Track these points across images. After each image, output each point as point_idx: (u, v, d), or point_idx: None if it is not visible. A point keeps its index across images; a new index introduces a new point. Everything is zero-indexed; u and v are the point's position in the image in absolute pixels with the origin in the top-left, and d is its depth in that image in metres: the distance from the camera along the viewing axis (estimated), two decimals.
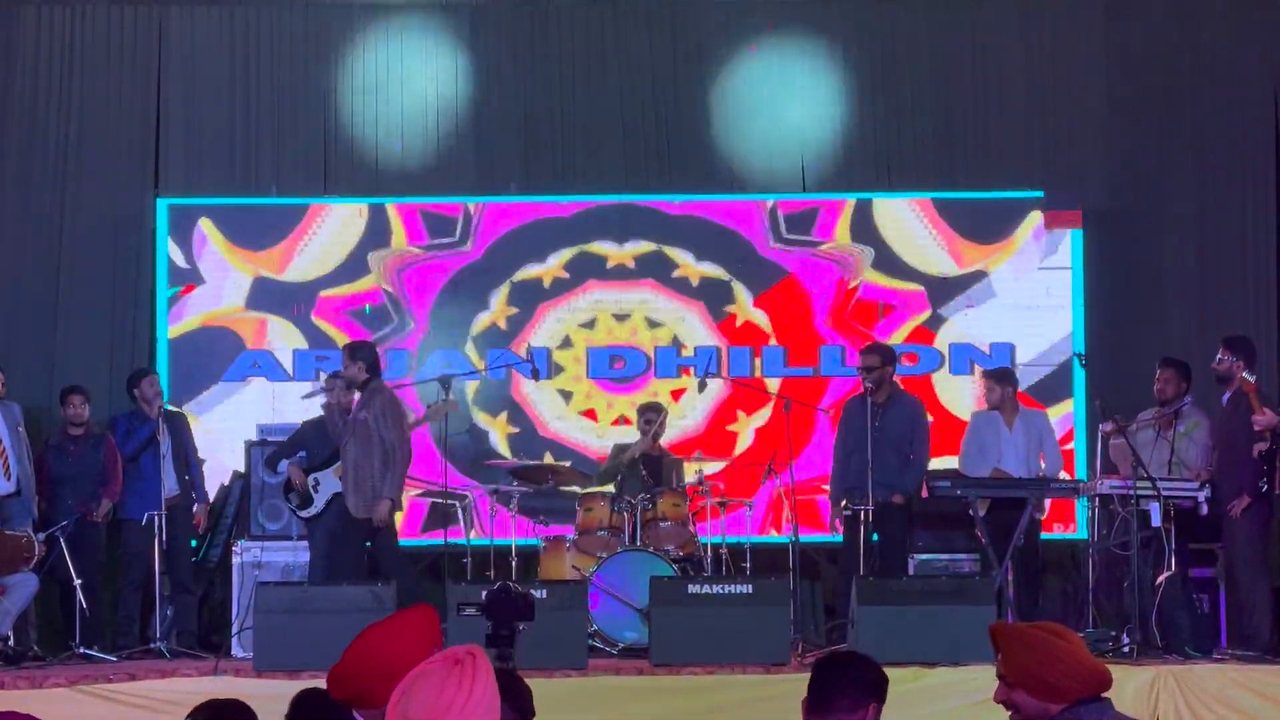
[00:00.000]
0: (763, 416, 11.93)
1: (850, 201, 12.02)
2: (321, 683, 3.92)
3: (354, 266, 11.97)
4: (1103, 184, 12.35)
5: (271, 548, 10.97)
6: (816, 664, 4.05)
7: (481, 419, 11.94)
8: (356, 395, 10.36)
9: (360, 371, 10.29)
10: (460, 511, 11.05)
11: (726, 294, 12.03)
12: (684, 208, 12.06)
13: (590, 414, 11.97)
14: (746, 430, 11.99)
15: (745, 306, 12.02)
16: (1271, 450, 9.59)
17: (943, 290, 11.97)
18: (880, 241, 11.98)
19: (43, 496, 10.54)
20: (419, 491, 11.70)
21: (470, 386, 11.93)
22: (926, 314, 11.96)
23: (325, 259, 11.95)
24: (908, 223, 12.00)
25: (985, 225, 11.99)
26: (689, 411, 11.95)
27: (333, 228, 11.97)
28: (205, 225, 11.86)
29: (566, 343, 12.01)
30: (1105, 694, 3.97)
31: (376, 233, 11.97)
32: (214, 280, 11.89)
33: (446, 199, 12.05)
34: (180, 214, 11.90)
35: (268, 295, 11.91)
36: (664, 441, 11.41)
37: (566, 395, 11.98)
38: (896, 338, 11.88)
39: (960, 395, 11.93)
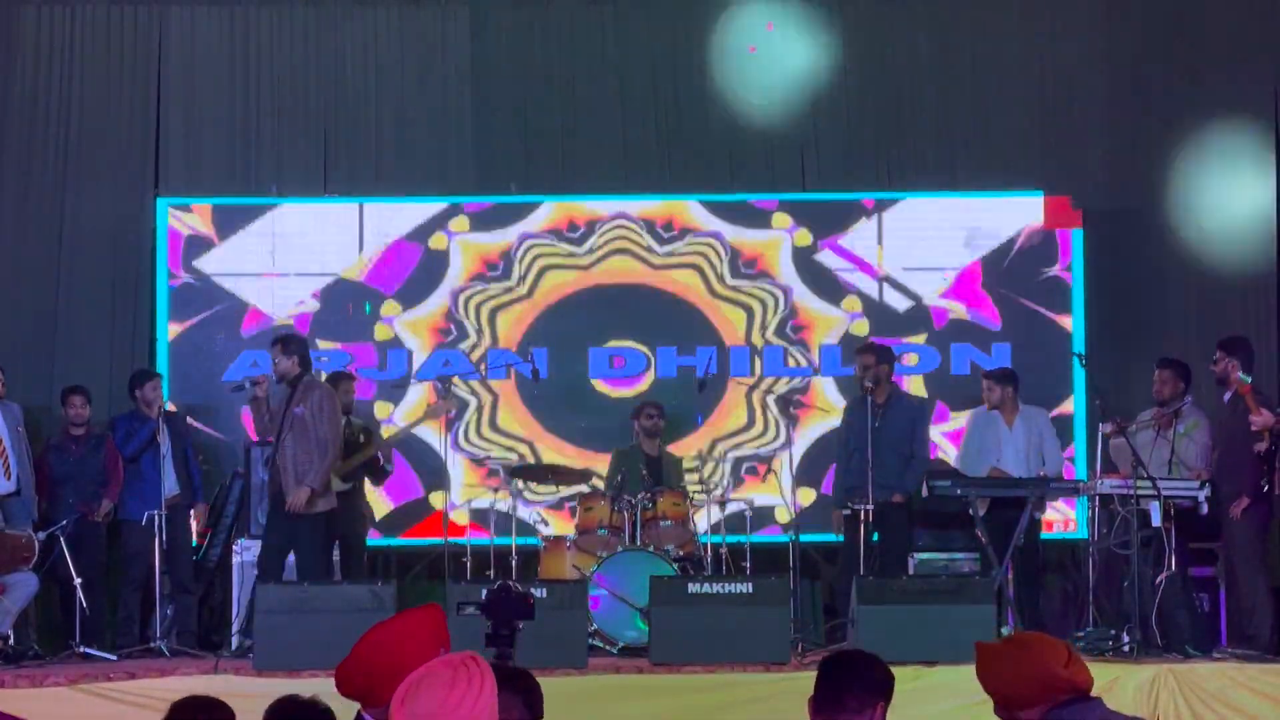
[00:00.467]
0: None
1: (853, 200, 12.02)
2: (308, 684, 3.93)
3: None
4: (1103, 184, 12.34)
5: None
6: (824, 663, 4.04)
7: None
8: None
9: (293, 366, 10.22)
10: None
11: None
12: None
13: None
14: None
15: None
16: (1270, 450, 9.59)
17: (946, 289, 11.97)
18: (883, 239, 11.97)
19: (43, 496, 10.54)
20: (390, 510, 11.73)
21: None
22: (930, 314, 11.96)
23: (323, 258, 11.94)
24: (911, 221, 12.00)
25: (991, 223, 11.99)
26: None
27: (329, 226, 11.95)
28: (201, 221, 11.84)
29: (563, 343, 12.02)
30: (1094, 694, 3.99)
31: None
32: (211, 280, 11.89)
33: (447, 199, 12.04)
34: (178, 212, 11.90)
35: (265, 295, 11.90)
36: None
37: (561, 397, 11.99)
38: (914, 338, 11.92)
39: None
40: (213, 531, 11.32)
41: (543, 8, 12.42)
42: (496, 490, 11.11)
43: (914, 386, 11.75)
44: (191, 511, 10.97)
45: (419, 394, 11.70)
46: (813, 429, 11.76)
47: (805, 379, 11.90)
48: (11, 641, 9.86)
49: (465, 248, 11.95)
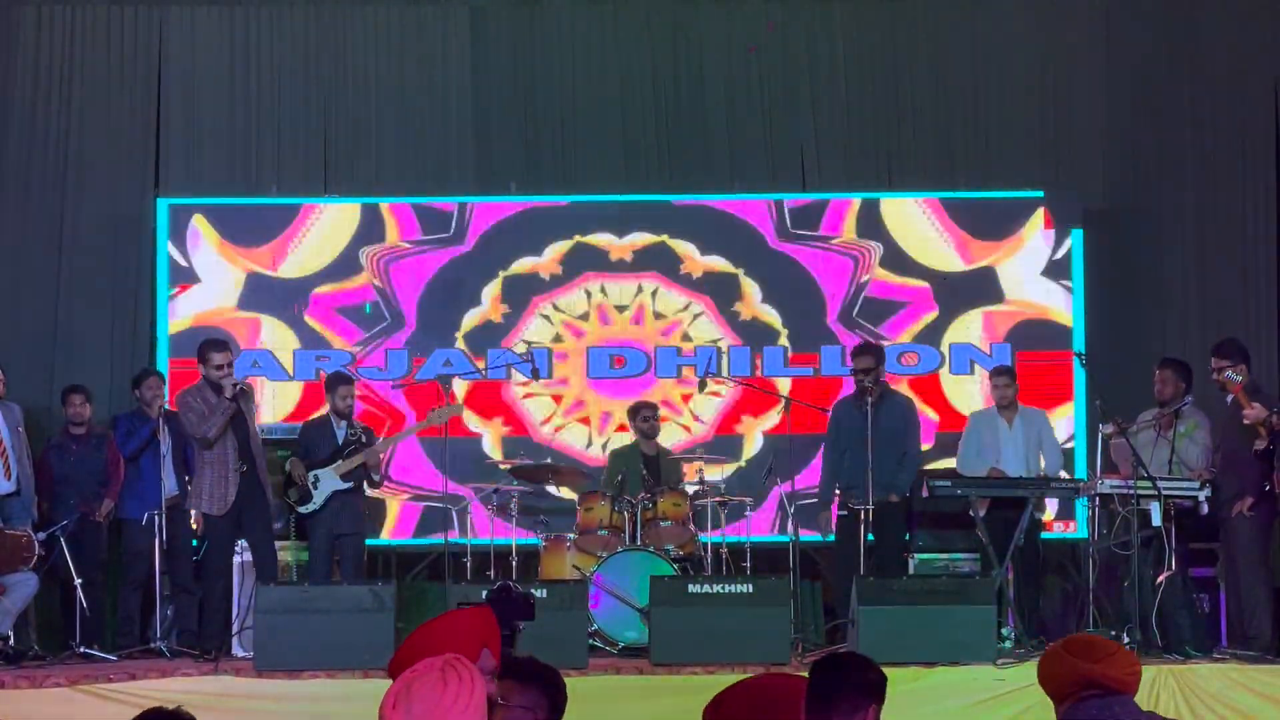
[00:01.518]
0: (771, 419, 11.93)
1: (856, 200, 12.01)
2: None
3: (347, 264, 11.95)
4: (1103, 184, 12.35)
5: None
6: (815, 665, 4.04)
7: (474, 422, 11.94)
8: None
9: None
10: (455, 515, 11.04)
11: (734, 288, 12.01)
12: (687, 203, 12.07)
13: (584, 420, 11.97)
14: (754, 433, 12.00)
15: (753, 302, 12.00)
16: (1270, 449, 9.59)
17: (948, 287, 11.96)
18: (888, 238, 11.98)
19: (44, 496, 10.54)
20: (409, 496, 11.71)
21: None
22: (934, 314, 11.95)
23: (318, 256, 11.94)
24: (914, 220, 11.99)
25: (992, 223, 11.99)
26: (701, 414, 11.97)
27: (325, 225, 11.96)
28: (199, 222, 11.85)
29: (558, 339, 12.01)
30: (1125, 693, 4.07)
31: (370, 229, 11.95)
32: (208, 279, 11.88)
33: (446, 199, 12.05)
34: (178, 212, 11.89)
35: (260, 294, 11.89)
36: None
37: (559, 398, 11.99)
38: (904, 337, 11.90)
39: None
40: None
41: (543, 8, 12.43)
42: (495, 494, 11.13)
43: (915, 386, 11.76)
44: (192, 512, 10.97)
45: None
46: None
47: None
48: (11, 641, 9.86)
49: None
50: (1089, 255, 12.00)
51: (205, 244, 11.87)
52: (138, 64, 12.25)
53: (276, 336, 11.90)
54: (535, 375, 11.62)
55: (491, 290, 11.99)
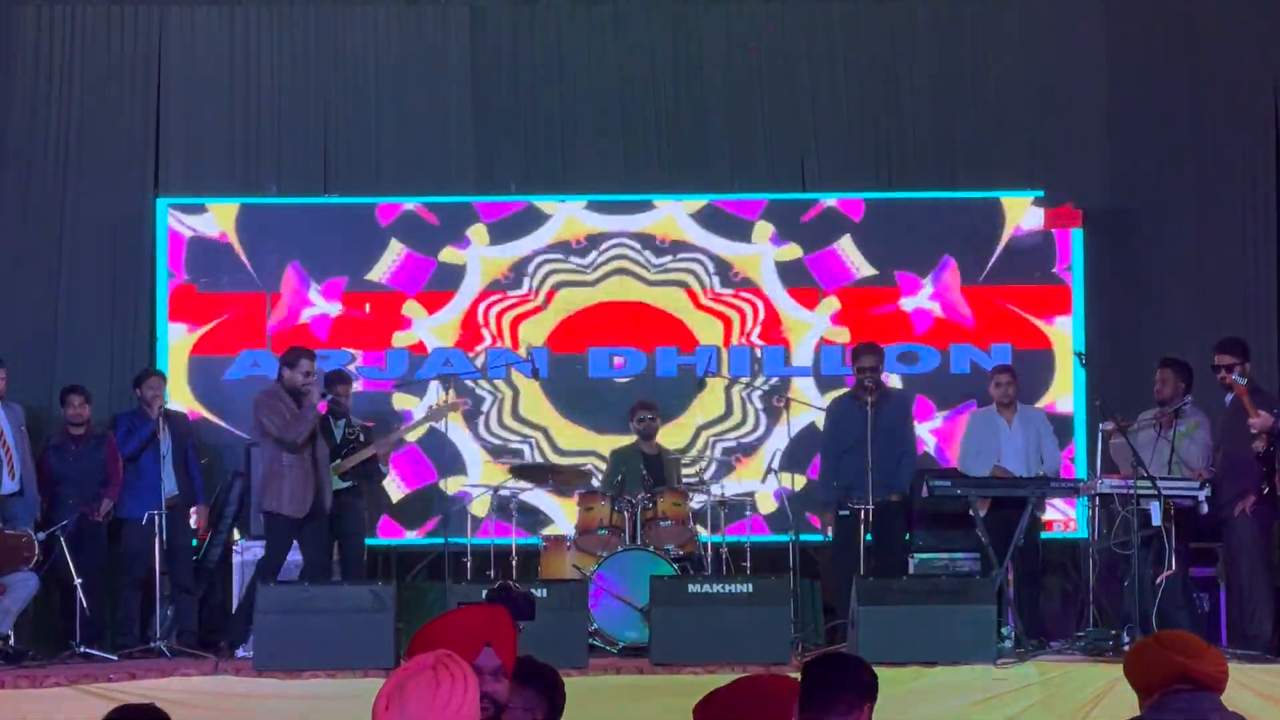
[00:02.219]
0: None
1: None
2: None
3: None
4: (1103, 184, 12.34)
5: None
6: (808, 666, 4.04)
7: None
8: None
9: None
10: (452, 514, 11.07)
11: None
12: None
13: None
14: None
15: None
16: (1270, 451, 9.58)
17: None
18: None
19: (43, 496, 10.54)
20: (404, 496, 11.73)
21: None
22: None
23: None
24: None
25: (991, 222, 12.01)
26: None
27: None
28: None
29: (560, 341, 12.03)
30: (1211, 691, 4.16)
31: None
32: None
33: (446, 199, 12.05)
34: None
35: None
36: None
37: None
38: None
39: None
40: (213, 531, 11.32)
41: (543, 8, 12.42)
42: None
43: (917, 387, 11.77)
44: (192, 512, 10.98)
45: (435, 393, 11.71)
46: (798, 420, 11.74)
47: (785, 378, 11.91)
48: (11, 642, 9.85)
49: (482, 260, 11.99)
50: (1089, 255, 12.00)
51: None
52: (138, 64, 12.25)
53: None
54: (535, 375, 11.62)
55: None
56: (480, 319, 11.97)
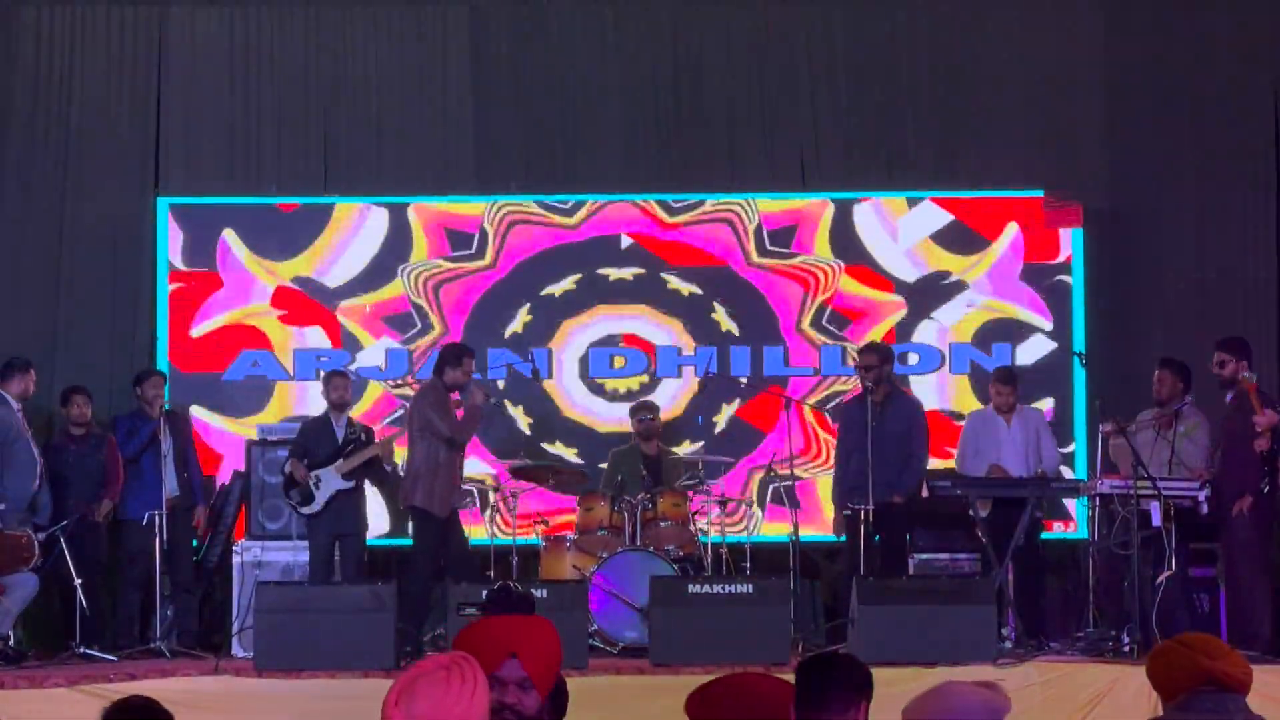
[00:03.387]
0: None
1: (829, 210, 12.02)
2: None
3: (380, 273, 11.97)
4: (1103, 184, 12.34)
5: (271, 547, 10.98)
6: (804, 666, 4.05)
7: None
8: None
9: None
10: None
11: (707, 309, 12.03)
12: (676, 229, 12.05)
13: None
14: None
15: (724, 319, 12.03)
16: (1272, 450, 9.58)
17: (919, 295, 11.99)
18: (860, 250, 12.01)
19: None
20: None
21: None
22: (901, 314, 11.95)
23: (351, 264, 11.96)
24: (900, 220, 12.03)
25: (990, 222, 12.01)
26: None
27: (358, 233, 11.98)
28: (229, 235, 11.88)
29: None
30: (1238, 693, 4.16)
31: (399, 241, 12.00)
32: (236, 283, 11.91)
33: (446, 199, 12.05)
34: (198, 222, 11.91)
35: (292, 299, 11.92)
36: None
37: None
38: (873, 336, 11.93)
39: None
40: (213, 532, 11.32)
41: (543, 7, 12.42)
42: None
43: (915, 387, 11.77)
44: (192, 512, 10.99)
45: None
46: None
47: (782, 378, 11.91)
48: (11, 642, 9.86)
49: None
50: (1089, 256, 12.00)
51: (235, 255, 11.88)
52: (138, 64, 12.25)
53: (315, 341, 11.92)
54: (536, 376, 11.62)
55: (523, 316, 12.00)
56: (483, 319, 11.98)
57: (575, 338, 12.02)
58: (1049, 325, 11.94)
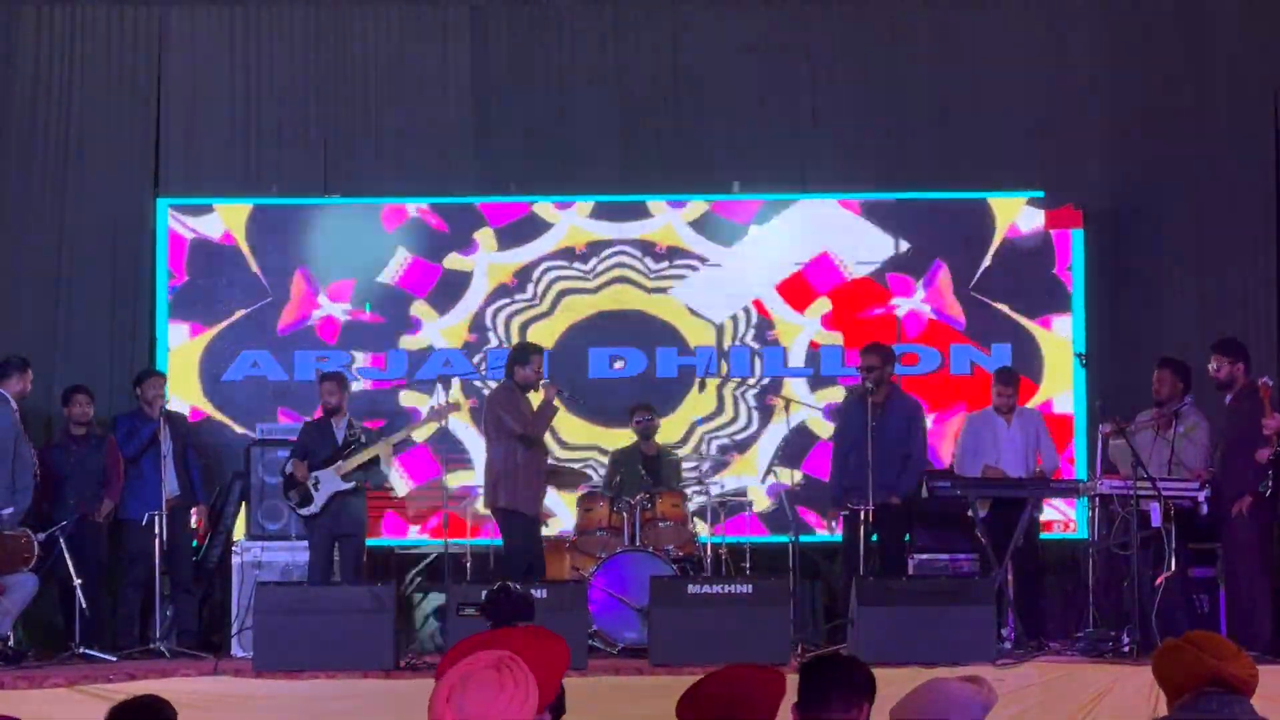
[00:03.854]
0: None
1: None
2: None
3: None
4: (1103, 184, 12.34)
5: (271, 548, 10.99)
6: (806, 666, 4.05)
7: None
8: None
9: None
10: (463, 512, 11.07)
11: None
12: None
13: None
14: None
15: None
16: (1278, 454, 9.57)
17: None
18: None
19: (44, 496, 10.55)
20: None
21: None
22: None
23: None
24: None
25: (993, 221, 12.02)
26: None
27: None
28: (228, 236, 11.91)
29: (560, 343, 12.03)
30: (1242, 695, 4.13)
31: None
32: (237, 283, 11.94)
33: (446, 199, 12.06)
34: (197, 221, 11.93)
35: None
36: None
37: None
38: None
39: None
40: (213, 532, 11.33)
41: (543, 8, 12.42)
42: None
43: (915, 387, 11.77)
44: (193, 512, 10.99)
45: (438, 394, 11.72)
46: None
47: (780, 379, 11.93)
48: (11, 642, 9.86)
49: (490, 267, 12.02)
50: (1089, 255, 12.00)
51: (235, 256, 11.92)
52: (138, 64, 12.25)
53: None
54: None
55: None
56: (488, 322, 11.98)
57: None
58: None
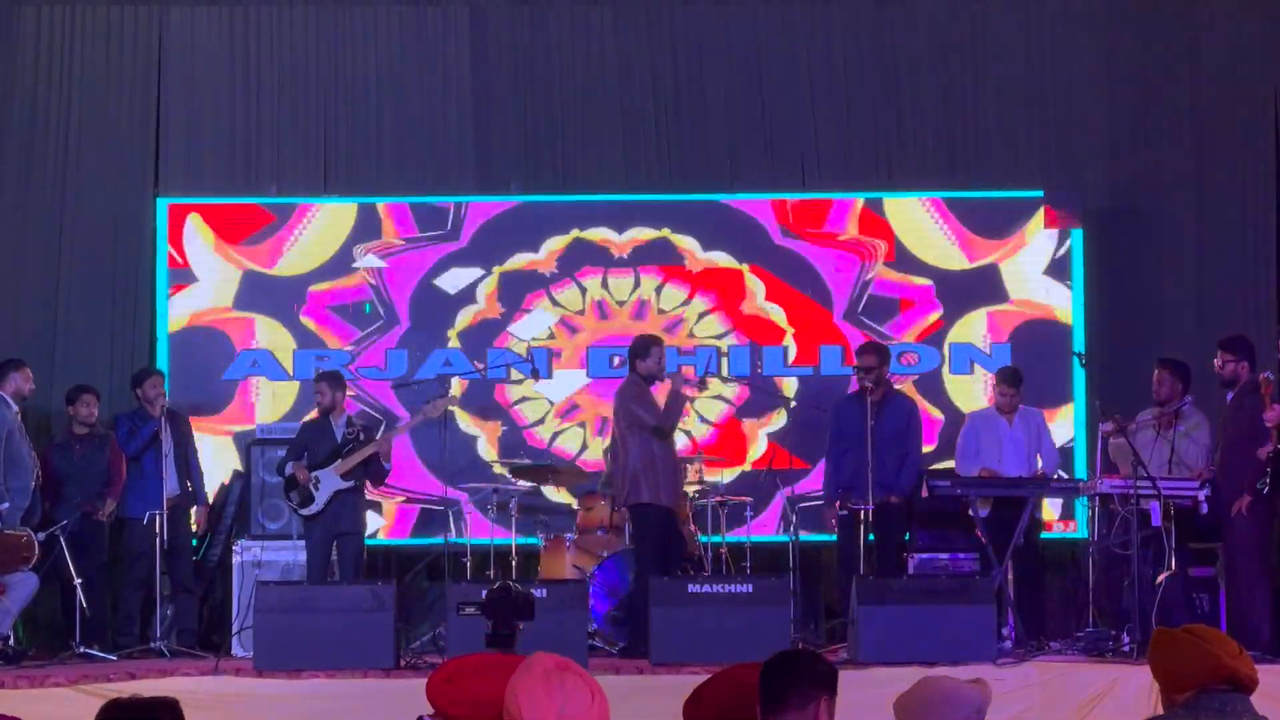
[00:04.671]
0: (777, 422, 11.94)
1: (859, 199, 12.02)
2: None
3: (342, 262, 11.94)
4: (1103, 184, 12.34)
5: (271, 547, 10.99)
6: (764, 666, 4.03)
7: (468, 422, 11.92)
8: None
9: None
10: (451, 518, 11.04)
11: (737, 285, 12.00)
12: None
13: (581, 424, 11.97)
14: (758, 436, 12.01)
15: (757, 300, 11.99)
16: (1277, 451, 9.57)
17: (951, 286, 11.96)
18: (891, 236, 11.99)
19: (46, 495, 10.54)
20: (403, 499, 11.69)
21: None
22: (938, 313, 11.94)
23: (314, 254, 11.93)
24: (917, 218, 12.00)
25: (994, 222, 12.00)
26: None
27: (321, 223, 11.95)
28: (195, 220, 11.86)
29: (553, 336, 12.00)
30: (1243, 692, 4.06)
31: (366, 227, 11.96)
32: (205, 278, 11.88)
33: (447, 199, 12.06)
34: (175, 211, 11.91)
35: (256, 293, 11.88)
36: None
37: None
38: (909, 336, 11.90)
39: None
40: (213, 531, 11.33)
41: (543, 8, 12.42)
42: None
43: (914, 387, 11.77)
44: (193, 511, 10.99)
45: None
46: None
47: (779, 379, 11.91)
48: (11, 642, 9.86)
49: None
50: (1089, 255, 12.00)
51: (201, 242, 11.87)
52: (137, 64, 12.24)
53: (272, 336, 11.88)
54: (535, 375, 11.62)
55: (486, 287, 11.98)
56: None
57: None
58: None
